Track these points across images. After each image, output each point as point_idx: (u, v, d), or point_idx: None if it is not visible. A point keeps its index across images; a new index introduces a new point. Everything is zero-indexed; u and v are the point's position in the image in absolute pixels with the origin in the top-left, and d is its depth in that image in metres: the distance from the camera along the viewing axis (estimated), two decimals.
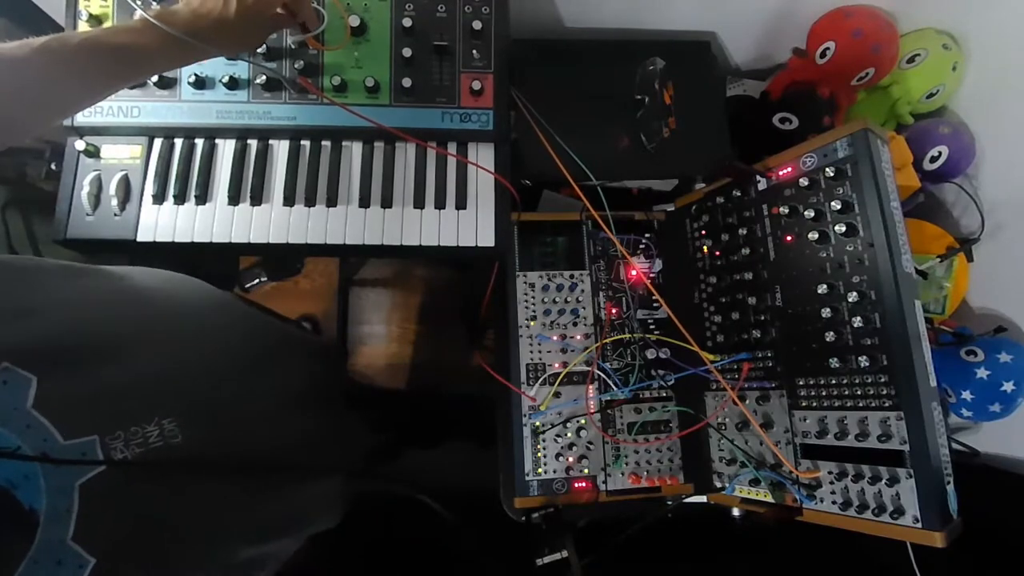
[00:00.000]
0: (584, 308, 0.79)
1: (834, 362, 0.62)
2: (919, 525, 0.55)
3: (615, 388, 0.75)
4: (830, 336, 0.62)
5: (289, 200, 0.74)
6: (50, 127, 0.58)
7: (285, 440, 0.59)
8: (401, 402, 1.32)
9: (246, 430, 0.54)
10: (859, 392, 0.60)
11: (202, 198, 0.73)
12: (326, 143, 0.76)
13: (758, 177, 0.72)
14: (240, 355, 0.59)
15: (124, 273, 0.58)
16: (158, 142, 0.74)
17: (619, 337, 0.78)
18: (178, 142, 0.74)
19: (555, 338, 0.77)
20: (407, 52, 0.74)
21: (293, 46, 0.73)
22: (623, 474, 0.74)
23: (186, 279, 0.66)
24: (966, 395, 0.80)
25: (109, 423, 0.42)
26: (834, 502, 0.61)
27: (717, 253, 0.77)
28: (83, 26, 0.71)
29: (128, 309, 0.52)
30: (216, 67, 0.73)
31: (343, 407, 0.74)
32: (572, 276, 0.80)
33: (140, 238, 0.71)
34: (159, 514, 0.44)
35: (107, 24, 0.71)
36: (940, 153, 0.87)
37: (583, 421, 0.75)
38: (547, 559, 0.67)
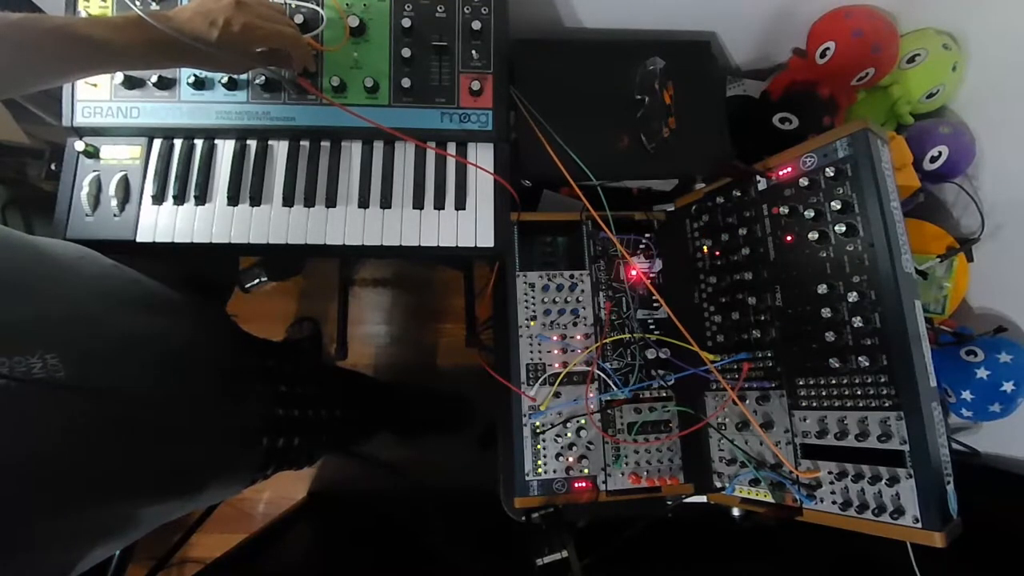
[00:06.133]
0: (584, 308, 0.79)
1: (834, 362, 0.62)
2: (919, 525, 0.55)
3: (615, 388, 0.75)
4: (830, 336, 0.62)
5: (288, 200, 0.74)
6: (7, 96, 0.59)
7: (168, 391, 0.59)
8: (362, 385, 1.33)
9: (127, 375, 0.54)
10: (859, 392, 0.60)
11: (201, 199, 0.73)
12: (325, 143, 0.76)
13: (758, 177, 0.72)
14: (118, 304, 0.60)
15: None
16: (157, 143, 0.74)
17: (619, 337, 0.78)
18: (177, 143, 0.74)
19: (555, 338, 0.77)
20: (406, 52, 0.74)
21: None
22: (623, 474, 0.74)
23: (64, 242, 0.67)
24: (966, 395, 0.80)
25: None
26: (834, 502, 0.61)
27: (717, 253, 0.77)
28: None
29: (6, 252, 0.53)
30: None
31: (238, 375, 0.75)
32: (572, 276, 0.80)
33: (140, 239, 0.71)
34: (37, 447, 0.44)
35: None
36: (940, 153, 0.87)
37: (583, 421, 0.75)
38: (547, 559, 0.67)
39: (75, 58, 0.54)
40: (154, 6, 0.71)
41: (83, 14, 0.70)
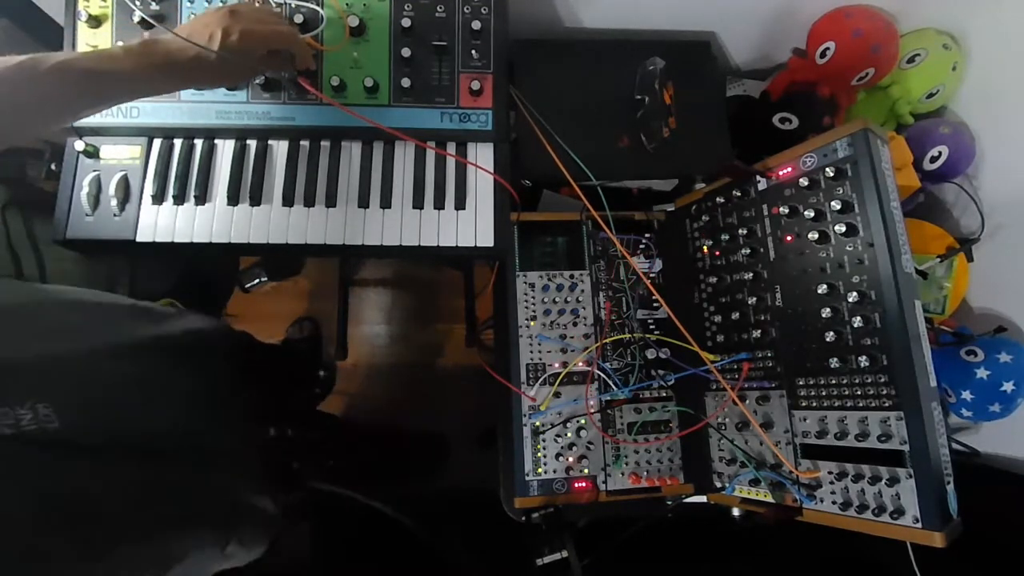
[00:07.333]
0: (584, 308, 0.79)
1: (834, 362, 0.62)
2: (919, 525, 0.55)
3: (615, 388, 0.75)
4: (830, 336, 0.62)
5: (288, 200, 0.73)
6: (20, 143, 0.57)
7: (172, 432, 0.58)
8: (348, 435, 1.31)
9: (128, 419, 0.53)
10: (859, 392, 0.60)
11: (201, 198, 0.73)
12: (325, 143, 0.76)
13: (758, 177, 0.72)
14: (120, 350, 0.59)
15: None
16: (157, 142, 0.74)
17: (619, 337, 0.78)
18: (177, 142, 0.74)
19: (555, 338, 0.77)
20: (406, 52, 0.74)
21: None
22: (623, 474, 0.74)
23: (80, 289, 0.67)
24: (966, 395, 0.80)
25: None
26: (834, 502, 0.61)
27: (717, 253, 0.77)
28: (82, 27, 0.71)
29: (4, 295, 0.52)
30: None
31: (244, 413, 0.74)
32: (572, 276, 0.80)
33: (139, 238, 0.71)
34: (33, 500, 0.43)
35: (106, 25, 0.71)
36: (940, 153, 0.87)
37: (583, 421, 0.75)
38: (547, 559, 0.67)
39: (80, 94, 0.53)
40: (154, 6, 0.71)
41: (83, 14, 0.70)
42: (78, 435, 0.47)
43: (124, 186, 0.72)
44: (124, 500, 0.50)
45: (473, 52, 0.76)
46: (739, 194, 0.74)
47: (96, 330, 0.59)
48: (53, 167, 0.82)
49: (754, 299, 0.71)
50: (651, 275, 0.80)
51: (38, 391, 0.45)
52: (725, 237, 0.75)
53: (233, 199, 0.73)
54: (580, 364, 0.76)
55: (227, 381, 0.74)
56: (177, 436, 0.58)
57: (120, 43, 0.71)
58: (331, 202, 0.74)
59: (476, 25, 0.74)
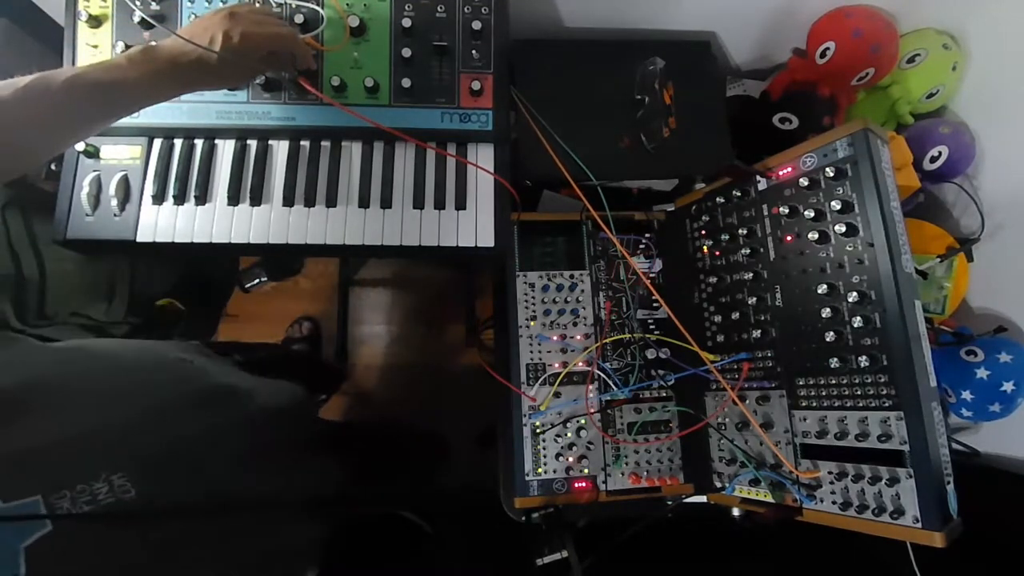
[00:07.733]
0: (584, 308, 0.79)
1: (834, 362, 0.62)
2: (919, 525, 0.55)
3: (615, 388, 0.75)
4: (830, 336, 0.62)
5: (288, 200, 0.73)
6: (39, 164, 0.56)
7: (247, 483, 0.60)
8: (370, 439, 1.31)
9: (202, 478, 0.54)
10: (859, 392, 0.60)
11: (202, 198, 0.73)
12: (325, 143, 0.76)
13: (758, 177, 0.72)
14: (186, 409, 0.60)
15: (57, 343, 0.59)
16: (158, 142, 0.74)
17: (619, 337, 0.78)
18: (178, 142, 0.74)
19: (555, 338, 0.77)
20: (406, 52, 0.74)
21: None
22: (623, 474, 0.74)
23: (127, 341, 0.66)
24: (966, 395, 0.80)
25: (51, 482, 0.42)
26: (834, 502, 0.61)
27: (717, 253, 0.77)
28: (82, 27, 0.71)
29: (61, 371, 0.52)
30: None
31: (311, 450, 0.75)
32: (572, 276, 0.80)
33: (140, 239, 0.71)
34: (117, 569, 0.44)
35: (106, 25, 0.71)
36: (940, 153, 0.87)
37: (583, 421, 0.75)
38: (547, 559, 0.67)
39: (92, 108, 0.53)
40: (154, 6, 0.71)
41: (83, 14, 0.70)
42: (153, 501, 0.47)
43: (124, 186, 0.72)
44: (198, 560, 0.51)
45: (473, 52, 0.76)
46: (739, 194, 0.74)
47: (150, 390, 0.59)
48: (53, 167, 0.82)
49: (754, 299, 0.71)
50: (651, 275, 0.81)
51: (111, 462, 0.46)
52: (725, 237, 0.76)
53: (233, 199, 0.73)
54: (580, 364, 0.76)
55: (273, 417, 0.76)
56: (239, 487, 0.59)
57: (120, 44, 0.71)
58: (331, 202, 0.74)
59: (476, 25, 0.74)
